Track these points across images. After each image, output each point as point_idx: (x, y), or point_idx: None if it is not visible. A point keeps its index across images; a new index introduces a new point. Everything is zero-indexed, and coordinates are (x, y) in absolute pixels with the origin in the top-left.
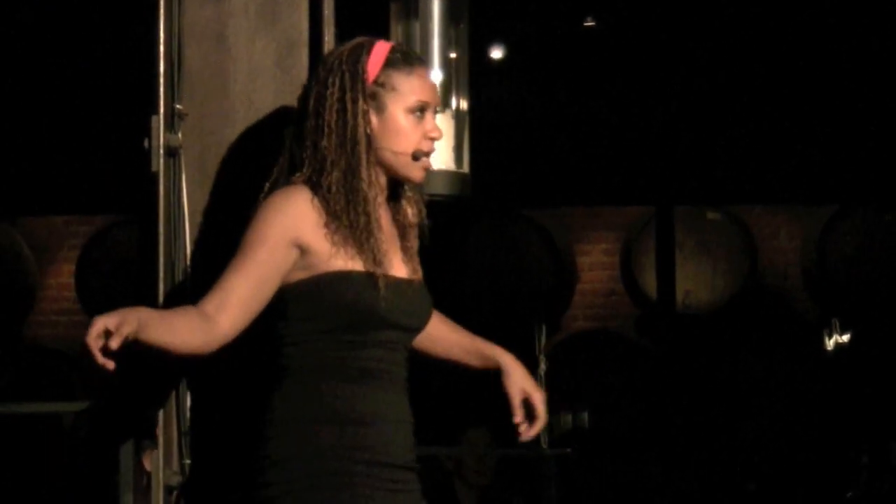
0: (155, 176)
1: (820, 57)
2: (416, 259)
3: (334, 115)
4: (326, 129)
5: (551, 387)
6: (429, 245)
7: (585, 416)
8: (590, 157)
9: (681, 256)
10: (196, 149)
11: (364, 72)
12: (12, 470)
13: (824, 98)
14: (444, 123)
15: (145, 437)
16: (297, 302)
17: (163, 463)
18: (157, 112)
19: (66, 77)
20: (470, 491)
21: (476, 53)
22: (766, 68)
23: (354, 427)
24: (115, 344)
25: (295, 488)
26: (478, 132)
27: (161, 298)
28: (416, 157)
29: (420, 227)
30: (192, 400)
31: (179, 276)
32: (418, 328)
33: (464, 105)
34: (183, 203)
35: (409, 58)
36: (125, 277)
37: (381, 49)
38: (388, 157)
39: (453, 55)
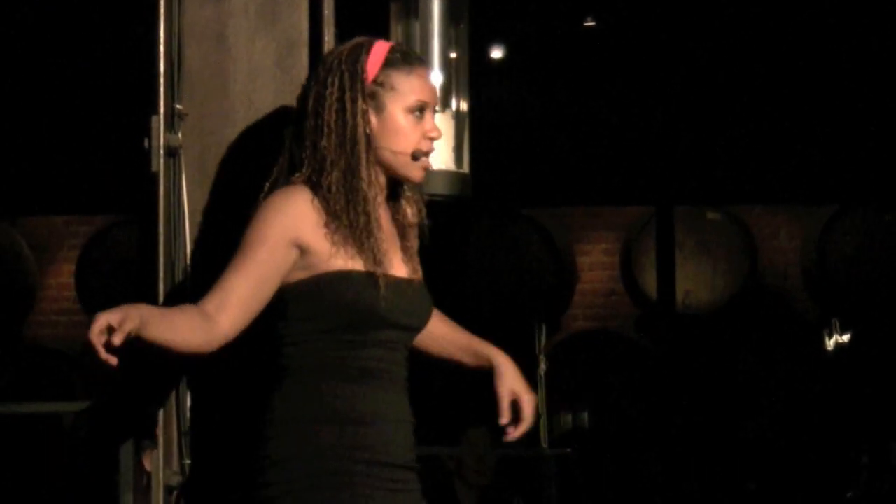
0: (155, 176)
1: (820, 57)
2: (416, 259)
3: (334, 115)
4: (326, 129)
5: (551, 387)
6: (429, 245)
7: (585, 416)
8: (590, 157)
9: (681, 256)
10: (196, 149)
11: (363, 71)
12: (12, 470)
13: (824, 98)
14: (444, 123)
15: (145, 436)
16: (298, 302)
17: (163, 463)
18: (157, 112)
19: (66, 77)
20: (470, 491)
21: (476, 53)
22: (766, 68)
23: (354, 427)
24: (118, 340)
25: (295, 488)
26: (478, 132)
27: (161, 298)
28: (415, 156)
29: (420, 226)
30: (192, 400)
31: (179, 276)
32: (418, 328)
33: (464, 105)
34: (183, 203)
35: (409, 57)
36: (125, 277)
37: (380, 49)
38: (388, 156)
39: (453, 55)
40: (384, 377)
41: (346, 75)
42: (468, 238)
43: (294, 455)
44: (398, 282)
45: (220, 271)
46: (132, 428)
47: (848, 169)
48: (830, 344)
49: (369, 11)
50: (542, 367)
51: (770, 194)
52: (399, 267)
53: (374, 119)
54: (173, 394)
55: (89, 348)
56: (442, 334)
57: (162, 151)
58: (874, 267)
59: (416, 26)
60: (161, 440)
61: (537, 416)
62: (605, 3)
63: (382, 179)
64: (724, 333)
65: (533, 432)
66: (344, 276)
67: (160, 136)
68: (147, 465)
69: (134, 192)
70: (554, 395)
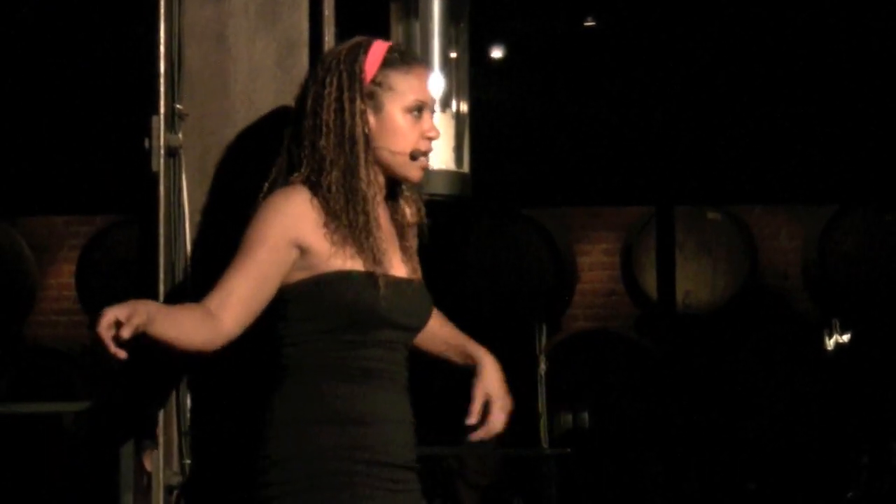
0: (155, 176)
1: (820, 57)
2: (416, 258)
3: (332, 115)
4: (324, 129)
5: (551, 387)
6: (429, 245)
7: (586, 416)
8: (590, 157)
9: (681, 256)
10: (196, 149)
11: (362, 71)
12: (12, 470)
13: (824, 98)
14: (444, 123)
15: (146, 437)
16: (298, 302)
17: (163, 463)
18: (157, 112)
19: (66, 77)
20: (471, 491)
21: (476, 53)
22: (766, 68)
23: (355, 427)
24: (126, 333)
25: (295, 488)
26: (478, 132)
27: (161, 299)
28: (413, 156)
29: (419, 226)
30: (193, 400)
31: (179, 276)
32: (418, 327)
33: (464, 105)
34: (183, 203)
35: (407, 57)
36: (125, 277)
37: (378, 49)
38: (386, 156)
39: (453, 55)
40: (384, 377)
41: (345, 75)
42: (468, 238)
43: (294, 455)
44: (398, 281)
45: (221, 271)
46: (132, 428)
47: (848, 169)
48: (830, 344)
49: (369, 11)
50: (543, 367)
51: (770, 194)
52: (398, 267)
53: (372, 119)
54: (173, 394)
55: (98, 342)
56: (434, 331)
57: (162, 151)
58: (874, 267)
59: (417, 26)
60: (161, 440)
61: (537, 416)
62: (605, 3)
63: (381, 179)
64: (725, 333)
65: (533, 432)
66: (344, 276)
67: (160, 137)
68: (147, 465)
69: (134, 193)
70: (554, 395)
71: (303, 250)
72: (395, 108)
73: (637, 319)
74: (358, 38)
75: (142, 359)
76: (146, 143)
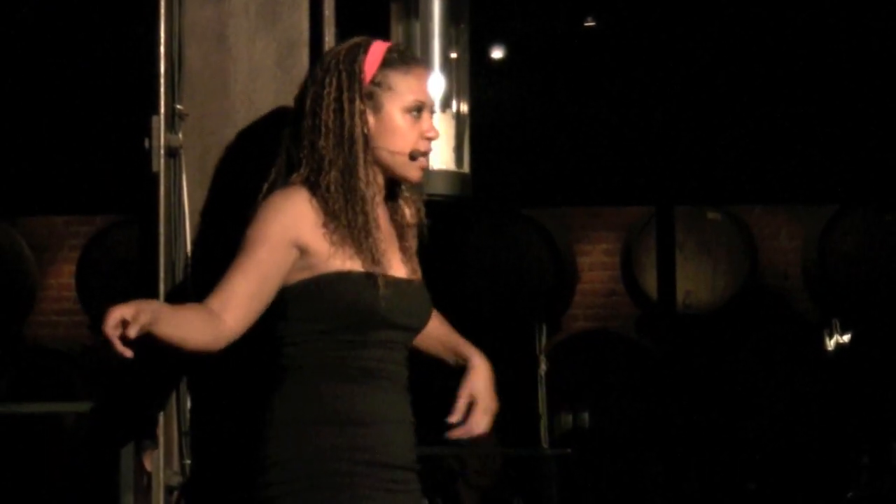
0: (155, 176)
1: (820, 57)
2: (415, 259)
3: (331, 115)
4: (324, 129)
5: (551, 387)
6: (429, 245)
7: (586, 416)
8: (590, 157)
9: (681, 256)
10: (197, 149)
11: (361, 71)
12: (12, 470)
13: (824, 98)
14: (444, 124)
15: (146, 436)
16: (297, 302)
17: (163, 463)
18: (157, 112)
19: (66, 77)
20: (472, 491)
21: (476, 53)
22: (766, 68)
23: (354, 427)
24: (133, 332)
25: (295, 489)
26: (478, 132)
27: (161, 299)
28: (412, 156)
29: (419, 226)
30: (193, 400)
31: (179, 277)
32: (418, 328)
33: (464, 105)
34: (183, 203)
35: (406, 57)
36: (125, 277)
37: (378, 49)
38: (385, 156)
39: (454, 55)
40: (384, 377)
41: (344, 75)
42: (468, 238)
43: (294, 456)
44: (397, 282)
45: (221, 271)
46: (133, 428)
47: (848, 169)
48: (831, 344)
49: (370, 11)
50: (543, 367)
51: (770, 194)
52: (398, 267)
53: (371, 119)
54: (174, 394)
55: (104, 341)
56: (429, 330)
57: (162, 152)
58: (874, 267)
59: (417, 26)
60: (161, 440)
61: (537, 416)
62: (605, 3)
63: (381, 179)
64: (725, 333)
65: (533, 432)
66: (343, 277)
67: (161, 137)
68: (147, 465)
69: (134, 193)
70: (554, 395)
71: (302, 250)
72: (395, 109)
73: (637, 319)
74: (357, 39)
75: (142, 359)
76: (146, 143)
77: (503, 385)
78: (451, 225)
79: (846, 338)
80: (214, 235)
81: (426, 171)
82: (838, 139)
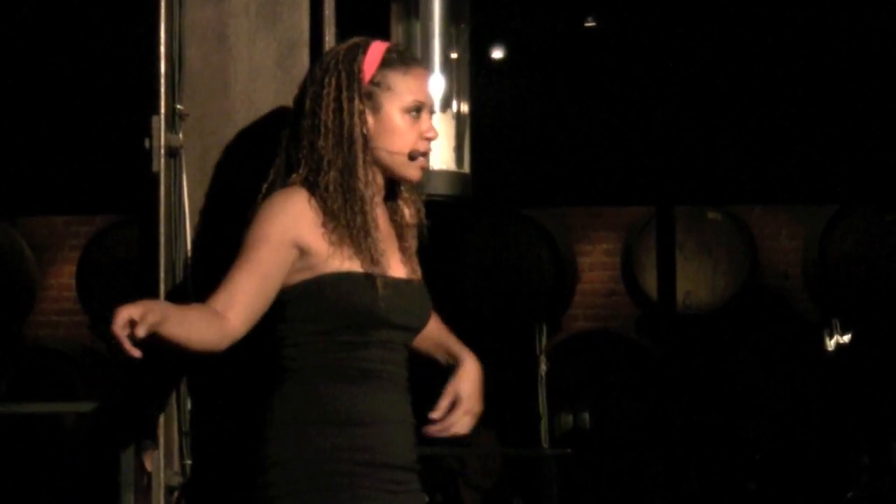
0: (156, 176)
1: (820, 57)
2: (415, 259)
3: (330, 115)
4: (323, 129)
5: (552, 387)
6: (428, 245)
7: (586, 416)
8: (590, 157)
9: (681, 256)
10: (197, 149)
11: (360, 71)
12: (12, 470)
13: (824, 98)
14: (444, 124)
15: (146, 437)
16: (297, 303)
17: (163, 463)
18: (157, 112)
19: (66, 77)
20: (472, 492)
21: (476, 53)
22: (766, 68)
23: (354, 428)
24: (142, 332)
25: (295, 489)
26: (478, 132)
27: (162, 299)
28: (412, 156)
29: (419, 227)
30: (193, 400)
31: (180, 276)
32: (418, 328)
33: (464, 105)
34: (184, 203)
35: (406, 57)
36: (125, 277)
37: (377, 49)
38: (384, 156)
39: (454, 55)
40: (384, 378)
41: (343, 75)
42: (468, 238)
43: (294, 456)
44: (396, 282)
45: (221, 271)
46: (133, 428)
47: (848, 169)
48: (831, 344)
49: (370, 11)
50: (543, 367)
51: (770, 194)
52: (397, 267)
53: (370, 119)
54: (174, 394)
55: (113, 341)
56: (424, 331)
57: (163, 152)
58: (874, 267)
59: (417, 26)
60: (162, 440)
61: (538, 416)
62: (605, 3)
63: (380, 180)
64: (725, 333)
65: (533, 432)
66: (342, 278)
67: (161, 137)
68: (148, 465)
69: (134, 193)
70: (554, 395)
71: (302, 250)
72: (394, 109)
73: (637, 319)
74: (356, 39)
75: (143, 359)
76: (146, 144)
77: (503, 385)
78: (451, 225)
79: (846, 338)
80: (214, 235)
81: (426, 171)
82: (838, 139)
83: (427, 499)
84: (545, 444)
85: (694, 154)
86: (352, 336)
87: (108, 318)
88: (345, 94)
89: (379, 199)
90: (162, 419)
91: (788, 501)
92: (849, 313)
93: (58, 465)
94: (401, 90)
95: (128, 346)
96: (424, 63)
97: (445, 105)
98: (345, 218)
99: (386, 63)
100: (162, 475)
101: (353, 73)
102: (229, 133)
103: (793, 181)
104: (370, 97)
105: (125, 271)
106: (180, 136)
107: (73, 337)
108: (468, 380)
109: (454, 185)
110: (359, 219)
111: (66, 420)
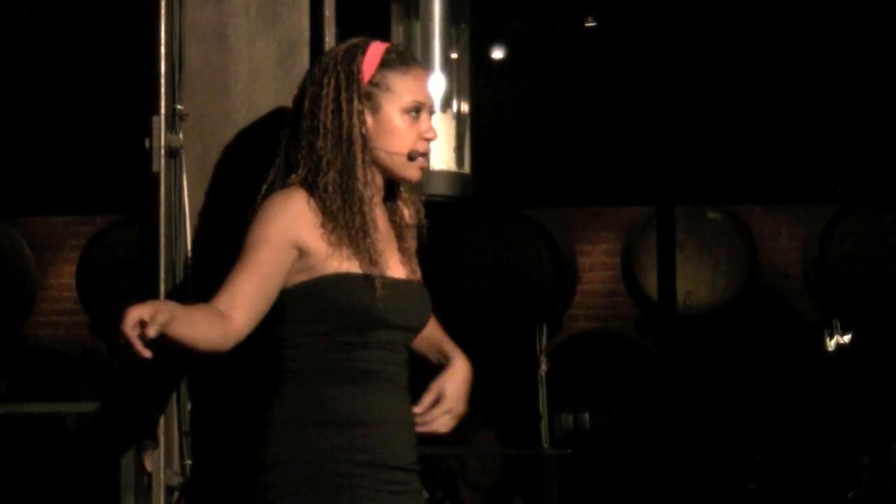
0: (156, 176)
1: (820, 57)
2: (415, 259)
3: (329, 116)
4: (322, 130)
5: (552, 387)
6: (428, 245)
7: (586, 416)
8: (590, 157)
9: (681, 257)
10: (197, 149)
11: (359, 72)
12: (12, 470)
13: (824, 98)
14: (444, 124)
15: (146, 437)
16: (296, 304)
17: (164, 463)
18: (158, 112)
19: (66, 77)
20: (472, 492)
21: (476, 53)
22: (766, 68)
23: (354, 428)
24: (152, 332)
25: (295, 490)
26: (478, 132)
27: (162, 299)
28: (411, 157)
29: (419, 227)
30: (193, 400)
31: (180, 277)
32: (418, 328)
33: (465, 106)
34: (184, 203)
35: (405, 58)
36: (125, 277)
37: (376, 49)
38: (384, 157)
39: (454, 56)
40: (384, 378)
41: (342, 76)
42: (468, 238)
43: (294, 456)
44: (396, 283)
45: (222, 271)
46: (133, 428)
47: (848, 169)
48: (831, 344)
49: (370, 12)
50: (543, 367)
51: (770, 194)
52: (396, 268)
53: (369, 119)
54: (174, 394)
55: (124, 341)
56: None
57: (163, 152)
58: (874, 267)
59: (417, 27)
60: (162, 440)
61: (538, 416)
62: (605, 3)
63: (379, 180)
64: (725, 333)
65: (533, 433)
66: (341, 279)
67: (161, 137)
68: (148, 465)
69: (134, 193)
70: (554, 395)
71: (301, 251)
72: (393, 109)
73: (637, 320)
74: (356, 39)
75: (147, 359)
76: (147, 144)
77: (503, 385)
78: (451, 225)
79: (846, 338)
80: (214, 235)
81: (425, 171)
82: (838, 139)
83: (427, 495)
84: (545, 444)
85: (694, 154)
86: (351, 337)
87: (114, 318)
88: (344, 94)
89: (378, 199)
90: (162, 419)
91: (788, 501)
92: (849, 313)
93: (58, 465)
94: (400, 91)
95: (139, 346)
96: (424, 63)
97: (445, 105)
98: (343, 218)
99: (385, 63)
100: (162, 475)
101: (352, 74)
102: (229, 133)
103: (793, 181)
104: (369, 98)
105: (125, 271)
106: (180, 136)
107: (73, 337)
108: (454, 379)
109: (454, 186)
110: (357, 219)
111: (67, 420)
